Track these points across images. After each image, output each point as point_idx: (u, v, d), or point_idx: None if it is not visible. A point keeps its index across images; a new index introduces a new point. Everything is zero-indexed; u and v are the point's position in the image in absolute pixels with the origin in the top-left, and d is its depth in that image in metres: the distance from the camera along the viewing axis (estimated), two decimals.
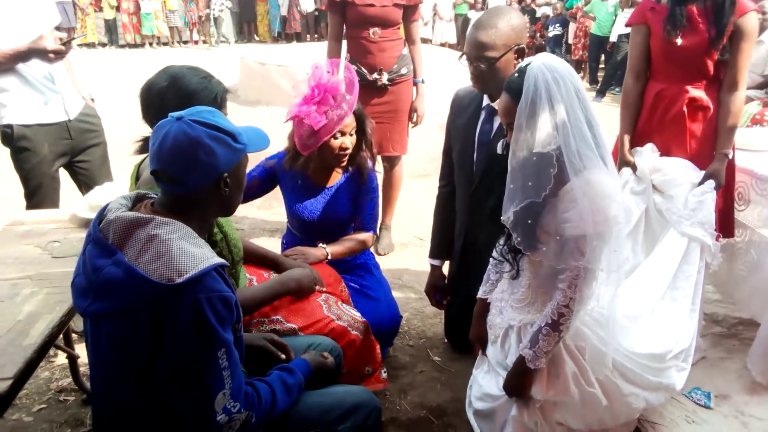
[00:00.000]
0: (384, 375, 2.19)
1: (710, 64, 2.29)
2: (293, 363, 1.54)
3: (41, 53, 2.31)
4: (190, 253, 1.18)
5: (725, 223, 2.43)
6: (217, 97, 1.66)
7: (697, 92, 2.33)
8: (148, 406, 1.27)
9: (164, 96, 1.62)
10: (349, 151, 2.24)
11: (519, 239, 1.67)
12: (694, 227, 2.17)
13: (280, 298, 1.91)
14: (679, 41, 2.27)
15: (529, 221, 1.64)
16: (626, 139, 2.47)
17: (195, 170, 1.23)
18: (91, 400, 1.41)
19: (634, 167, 2.40)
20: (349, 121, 2.21)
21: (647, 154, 2.38)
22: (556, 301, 1.69)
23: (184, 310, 1.16)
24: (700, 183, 2.25)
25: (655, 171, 2.35)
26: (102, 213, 1.29)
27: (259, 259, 2.10)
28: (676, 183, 2.28)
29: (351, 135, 2.24)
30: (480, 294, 2.02)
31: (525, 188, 1.60)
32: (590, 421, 1.89)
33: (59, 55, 2.35)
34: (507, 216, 1.66)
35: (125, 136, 6.54)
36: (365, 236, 2.40)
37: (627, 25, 2.62)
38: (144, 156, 1.79)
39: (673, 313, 2.06)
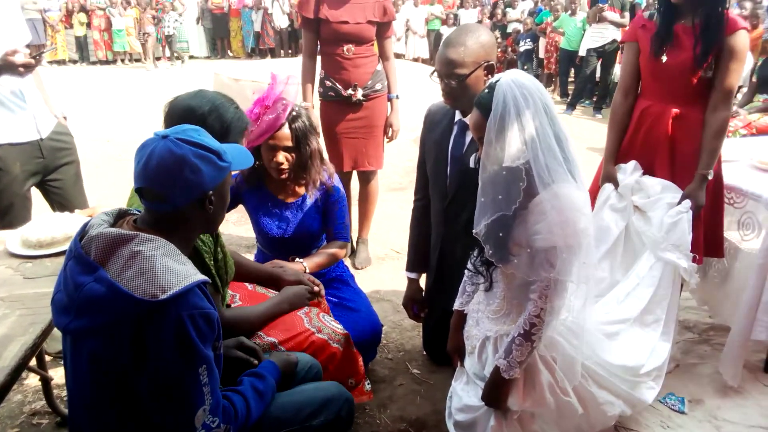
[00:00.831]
0: (368, 387, 2.18)
1: (695, 83, 2.24)
2: (262, 367, 1.55)
3: (10, 67, 2.28)
4: (173, 269, 1.19)
5: (713, 243, 2.39)
6: (246, 127, 1.74)
7: (682, 111, 2.29)
8: (127, 427, 1.26)
9: (205, 121, 1.65)
10: (284, 166, 2.25)
11: (491, 252, 1.70)
12: (668, 250, 2.17)
13: None
14: (664, 59, 2.26)
15: (501, 234, 1.67)
16: (611, 154, 2.47)
17: (180, 188, 1.24)
18: (68, 422, 1.40)
19: (616, 183, 2.41)
20: (282, 134, 2.21)
21: (630, 172, 2.38)
22: (528, 312, 1.71)
23: (167, 327, 1.17)
24: (678, 204, 2.23)
25: (637, 191, 2.35)
26: (83, 229, 1.29)
27: (258, 278, 2.09)
28: (655, 205, 2.27)
29: (286, 151, 2.24)
30: (456, 306, 2.04)
31: (495, 201, 1.63)
32: (567, 430, 1.91)
33: (28, 68, 2.32)
34: (479, 229, 1.69)
35: (96, 153, 6.50)
36: (339, 245, 2.42)
37: (620, 42, 2.66)
38: None
39: (644, 336, 2.10)
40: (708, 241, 2.35)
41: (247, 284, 2.11)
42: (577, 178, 1.65)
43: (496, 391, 1.80)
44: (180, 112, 1.68)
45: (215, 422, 1.26)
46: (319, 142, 2.37)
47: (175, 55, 15.12)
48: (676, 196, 2.25)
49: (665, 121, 2.31)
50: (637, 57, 2.39)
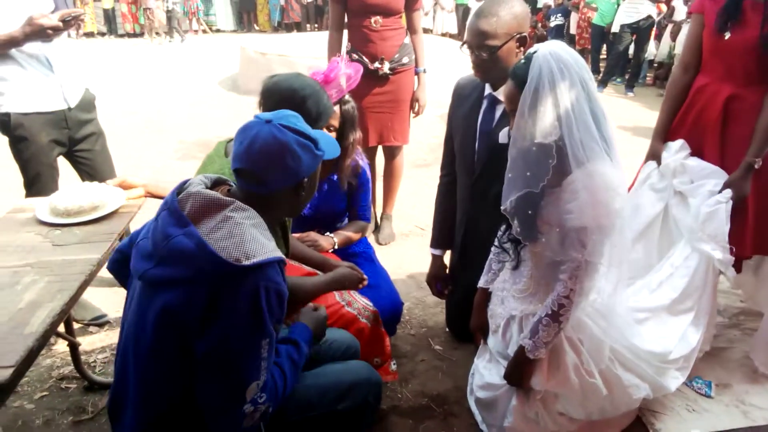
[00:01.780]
0: (393, 367, 2.19)
1: (759, 64, 2.09)
2: (296, 331, 1.53)
3: (38, 32, 2.27)
4: (259, 240, 1.23)
5: (765, 239, 2.22)
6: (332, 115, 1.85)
7: (739, 92, 2.15)
8: (173, 386, 1.29)
9: (305, 103, 1.76)
10: None
11: (519, 229, 1.67)
12: (704, 241, 2.09)
13: None
14: (727, 35, 2.12)
15: (529, 212, 1.64)
16: (660, 131, 2.36)
17: (280, 173, 1.30)
18: (115, 374, 1.42)
19: (659, 161, 2.32)
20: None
21: (675, 151, 2.28)
22: (556, 292, 1.69)
23: (243, 293, 1.19)
24: (720, 192, 2.12)
25: (680, 173, 2.24)
26: (181, 186, 1.34)
27: (305, 259, 2.10)
28: (697, 191, 2.16)
29: (328, 129, 2.22)
30: (481, 283, 2.02)
31: (524, 178, 1.61)
32: (591, 411, 1.91)
33: (57, 32, 2.31)
34: (506, 205, 1.66)
35: (123, 125, 6.57)
36: (363, 225, 2.45)
37: (688, 14, 2.50)
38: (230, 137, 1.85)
39: (674, 323, 2.06)
40: (759, 236, 2.19)
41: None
42: (614, 157, 1.60)
43: (519, 371, 1.79)
44: (283, 92, 1.78)
45: (262, 398, 1.27)
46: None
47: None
48: (719, 183, 2.13)
49: (719, 101, 2.18)
50: (701, 30, 2.25)
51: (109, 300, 2.92)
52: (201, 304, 1.19)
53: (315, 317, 1.62)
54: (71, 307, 1.63)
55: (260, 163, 1.28)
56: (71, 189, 2.10)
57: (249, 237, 1.21)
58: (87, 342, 2.60)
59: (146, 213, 3.56)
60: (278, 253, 1.24)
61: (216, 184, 1.39)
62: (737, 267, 2.20)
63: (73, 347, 2.28)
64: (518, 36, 2.00)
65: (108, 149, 2.82)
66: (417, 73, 3.44)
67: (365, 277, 2.06)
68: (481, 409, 2.05)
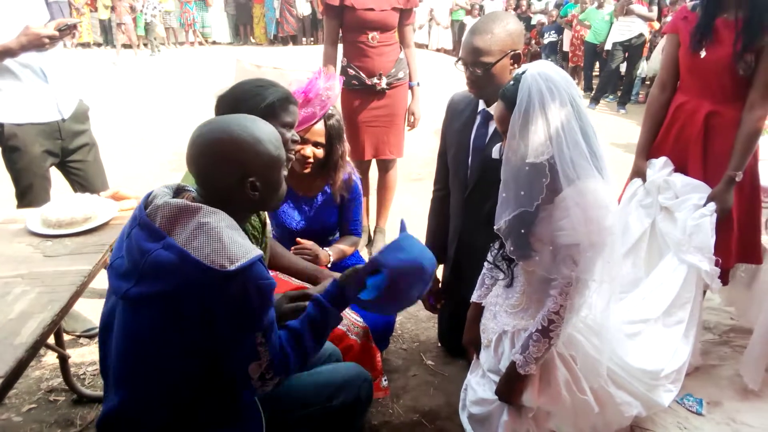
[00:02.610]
0: (384, 383, 2.18)
1: (733, 80, 2.15)
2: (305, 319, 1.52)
3: (35, 42, 2.26)
4: (239, 242, 1.24)
5: (749, 248, 2.31)
6: (268, 105, 1.71)
7: (717, 108, 2.21)
8: (177, 393, 1.31)
9: (219, 105, 1.75)
10: (310, 161, 2.25)
11: (512, 248, 1.67)
12: (691, 253, 2.12)
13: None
14: (702, 54, 2.18)
15: (522, 230, 1.64)
16: (643, 149, 2.41)
17: (218, 169, 1.32)
18: (105, 391, 1.42)
19: (644, 179, 2.36)
20: (316, 129, 2.22)
21: (659, 168, 2.32)
22: (547, 308, 1.69)
23: (233, 296, 1.22)
24: (704, 205, 2.17)
25: (665, 189, 2.29)
26: (147, 199, 1.34)
27: (297, 272, 2.09)
28: (682, 205, 2.21)
29: (316, 146, 2.24)
30: (474, 298, 2.02)
31: (517, 197, 1.61)
32: (582, 428, 1.90)
33: (53, 41, 2.30)
34: (500, 225, 1.66)
35: (119, 136, 6.54)
36: (355, 240, 2.46)
37: (662, 34, 2.58)
38: None
39: (665, 338, 2.07)
40: (743, 245, 2.27)
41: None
42: (604, 174, 1.60)
43: (510, 386, 1.78)
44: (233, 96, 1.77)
45: (270, 374, 1.33)
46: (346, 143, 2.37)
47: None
48: (703, 196, 2.18)
49: (699, 118, 2.23)
50: (677, 49, 2.31)
51: (99, 312, 2.90)
52: (195, 312, 1.22)
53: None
54: (62, 318, 1.62)
55: (200, 160, 1.31)
56: (63, 200, 2.09)
57: (227, 241, 1.22)
58: (77, 354, 2.58)
59: None
60: (257, 252, 1.26)
61: (178, 192, 1.39)
62: (723, 279, 2.25)
63: (63, 359, 2.26)
64: (512, 53, 2.02)
65: (101, 160, 2.82)
66: (411, 87, 3.46)
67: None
68: (473, 425, 2.04)
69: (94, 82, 9.11)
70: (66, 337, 2.53)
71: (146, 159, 5.62)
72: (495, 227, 1.69)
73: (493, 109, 2.10)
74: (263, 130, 1.35)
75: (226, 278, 1.20)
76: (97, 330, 2.66)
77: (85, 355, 2.59)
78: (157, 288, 1.22)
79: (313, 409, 1.55)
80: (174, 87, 9.48)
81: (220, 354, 1.29)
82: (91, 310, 2.87)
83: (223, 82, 9.35)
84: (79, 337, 2.71)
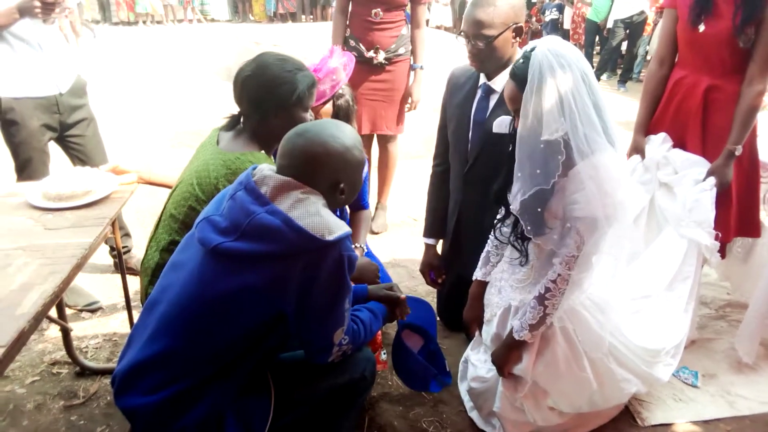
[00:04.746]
0: (384, 357, 2.21)
1: (733, 54, 2.13)
2: (374, 306, 1.73)
3: (28, 9, 2.25)
4: (333, 218, 1.36)
5: (748, 222, 2.32)
6: (299, 95, 1.75)
7: (716, 83, 2.19)
8: (224, 352, 1.37)
9: (245, 84, 1.76)
10: None
11: (529, 228, 1.67)
12: (691, 227, 2.13)
13: None
14: (701, 28, 2.16)
15: (539, 209, 1.64)
16: (641, 125, 2.41)
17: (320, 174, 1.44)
18: (127, 350, 1.44)
19: (643, 155, 2.35)
20: (326, 108, 2.20)
21: (657, 144, 2.32)
22: (546, 277, 1.70)
23: (330, 263, 1.33)
24: (703, 180, 2.17)
25: (664, 165, 2.29)
26: (254, 168, 1.44)
27: None
28: (681, 181, 2.21)
29: None
30: (478, 276, 2.02)
31: (533, 176, 1.60)
32: (581, 405, 1.92)
33: (47, 9, 2.29)
34: (516, 206, 1.66)
35: (116, 113, 6.53)
36: (366, 215, 2.46)
37: (659, 9, 2.53)
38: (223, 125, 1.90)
39: (667, 313, 2.08)
40: (742, 219, 2.28)
41: None
42: (617, 147, 1.61)
43: (505, 351, 1.80)
44: (234, 78, 1.82)
45: (346, 340, 1.47)
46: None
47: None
48: (702, 171, 2.18)
49: (698, 92, 2.22)
50: (674, 24, 2.29)
51: (102, 287, 2.92)
52: (295, 279, 1.32)
53: (389, 297, 1.79)
54: (63, 290, 1.63)
55: (296, 171, 1.39)
56: (63, 174, 2.09)
57: (325, 215, 1.34)
58: (79, 328, 2.60)
59: (138, 199, 3.54)
60: (347, 227, 1.37)
61: None
62: (721, 253, 2.26)
63: (65, 332, 2.28)
64: (514, 26, 2.01)
65: (100, 135, 2.82)
66: (413, 69, 3.42)
67: (378, 273, 2.08)
68: (472, 398, 2.07)
69: (95, 57, 9.05)
70: (68, 312, 2.55)
71: (146, 135, 5.60)
72: (511, 208, 1.69)
73: (495, 83, 2.10)
74: (349, 137, 1.45)
75: (325, 247, 1.31)
76: (98, 305, 2.73)
77: (87, 329, 2.61)
78: (259, 248, 1.30)
79: (318, 387, 1.59)
80: (173, 64, 9.42)
81: (309, 323, 1.39)
82: (92, 285, 2.89)
83: (222, 59, 9.29)
84: (81, 311, 2.73)
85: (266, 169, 1.42)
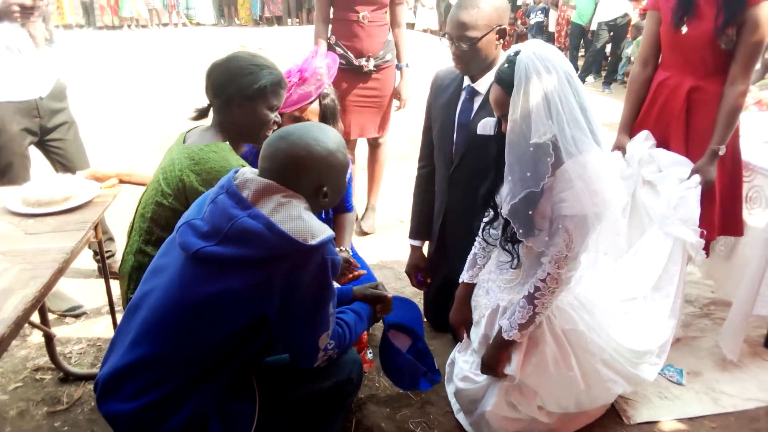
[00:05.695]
0: (370, 356, 2.20)
1: (715, 55, 2.16)
2: (359, 307, 1.72)
3: (6, 13, 2.23)
4: (316, 221, 1.35)
5: (731, 221, 2.34)
6: (260, 87, 1.75)
7: (699, 84, 2.21)
8: (205, 358, 1.36)
9: (212, 72, 1.78)
10: None
11: (521, 230, 1.67)
12: (677, 225, 2.14)
13: None
14: (684, 29, 2.18)
15: (530, 212, 1.65)
16: (625, 125, 2.43)
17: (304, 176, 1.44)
18: (110, 355, 1.43)
19: (623, 151, 2.37)
20: (312, 108, 2.19)
21: (640, 141, 2.34)
22: (536, 276, 1.71)
23: (313, 267, 1.32)
24: (688, 179, 2.18)
25: (648, 163, 2.30)
26: (235, 173, 1.43)
27: None
28: (665, 179, 2.22)
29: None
30: (465, 278, 2.02)
31: (524, 179, 1.61)
32: (567, 404, 1.92)
33: (25, 12, 2.27)
34: (506, 209, 1.67)
35: (100, 118, 6.47)
36: (351, 219, 2.45)
37: (642, 11, 2.56)
38: (193, 127, 1.91)
39: (654, 313, 2.09)
40: (726, 218, 2.30)
41: None
42: (603, 146, 1.62)
43: (495, 352, 1.80)
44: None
45: (331, 345, 1.47)
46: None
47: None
48: (686, 170, 2.20)
49: (681, 93, 2.24)
50: (658, 26, 2.31)
51: (86, 291, 2.89)
52: (280, 280, 1.30)
53: (376, 295, 1.78)
54: (45, 294, 1.61)
55: (278, 174, 1.39)
56: (43, 180, 2.08)
57: (307, 218, 1.33)
58: (63, 333, 2.57)
59: (123, 203, 3.52)
60: (330, 231, 1.36)
61: None
62: (705, 251, 2.28)
63: (48, 338, 2.26)
64: (498, 28, 2.02)
65: (81, 139, 2.79)
66: (399, 68, 3.43)
67: (357, 264, 2.08)
68: (459, 399, 2.06)
69: (75, 61, 8.96)
70: (51, 317, 2.52)
71: (129, 139, 5.57)
72: (501, 212, 1.70)
73: (479, 85, 2.11)
74: (333, 140, 1.44)
75: (308, 251, 1.30)
76: (81, 310, 2.70)
77: (71, 334, 2.58)
78: (242, 253, 1.29)
79: (303, 390, 1.57)
80: (157, 68, 9.36)
81: (293, 328, 1.39)
82: (75, 290, 2.86)
83: (207, 63, 9.24)
84: (64, 316, 2.70)
85: (248, 172, 1.42)
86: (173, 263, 1.38)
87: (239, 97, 1.75)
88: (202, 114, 1.91)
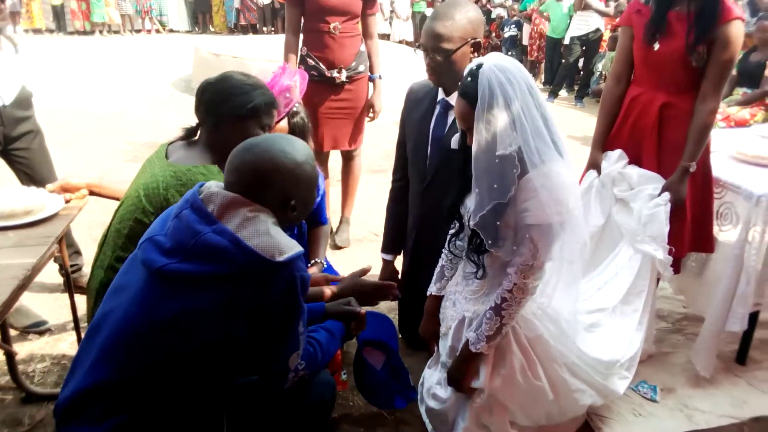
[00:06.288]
0: (344, 377, 2.16)
1: (687, 72, 2.17)
2: (332, 325, 1.66)
3: None
4: (284, 237, 1.32)
5: (702, 237, 2.35)
6: (254, 107, 1.75)
7: (671, 100, 2.23)
8: (168, 381, 1.30)
9: (204, 91, 1.77)
10: None
11: (489, 242, 1.67)
12: (646, 242, 2.15)
13: None
14: (656, 46, 2.20)
15: (498, 222, 1.65)
16: (598, 141, 2.43)
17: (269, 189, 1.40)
18: (71, 377, 1.36)
19: (599, 170, 2.38)
20: (280, 126, 2.17)
21: (614, 161, 2.34)
22: (502, 287, 1.70)
23: (282, 285, 1.28)
24: (658, 196, 2.19)
25: (619, 182, 2.31)
26: (200, 186, 1.39)
27: None
28: (637, 196, 2.24)
29: None
30: (433, 291, 2.00)
31: (491, 191, 1.61)
32: (538, 417, 1.91)
33: None
34: (475, 221, 1.66)
35: (72, 125, 6.36)
36: (325, 230, 2.42)
37: (614, 27, 2.58)
38: (175, 139, 1.88)
39: (621, 327, 2.10)
40: (697, 234, 2.32)
41: None
42: (565, 156, 1.63)
43: (462, 365, 1.78)
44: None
45: (302, 365, 1.41)
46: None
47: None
48: (658, 187, 2.21)
49: (653, 109, 2.26)
50: (630, 42, 2.33)
51: (51, 307, 2.80)
52: (246, 303, 1.26)
53: (347, 311, 1.74)
54: (5, 312, 1.56)
55: (243, 187, 1.34)
56: (4, 192, 2.01)
57: (275, 234, 1.29)
58: (25, 350, 2.48)
59: (91, 214, 3.42)
60: (300, 246, 1.32)
61: None
62: (676, 268, 2.29)
63: (10, 356, 2.17)
64: (473, 41, 2.01)
65: (47, 148, 2.72)
66: (372, 80, 3.42)
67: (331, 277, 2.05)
68: (431, 418, 2.04)
69: (43, 67, 8.80)
70: (12, 333, 2.43)
71: (99, 149, 5.46)
72: (471, 224, 1.69)
73: (455, 101, 2.10)
74: (301, 152, 1.40)
75: (276, 268, 1.26)
76: (46, 326, 2.61)
77: (35, 351, 2.49)
78: (207, 270, 1.25)
79: (273, 414, 1.53)
80: (130, 75, 9.24)
81: (261, 348, 1.34)
82: (39, 305, 2.76)
83: (180, 71, 9.16)
84: (27, 332, 2.61)
85: (213, 186, 1.37)
86: (135, 281, 1.32)
87: (232, 117, 1.73)
88: (190, 133, 1.87)
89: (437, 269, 2.01)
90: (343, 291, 1.86)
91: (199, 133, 1.84)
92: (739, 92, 5.51)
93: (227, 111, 1.73)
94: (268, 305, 1.28)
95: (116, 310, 1.32)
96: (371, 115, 3.46)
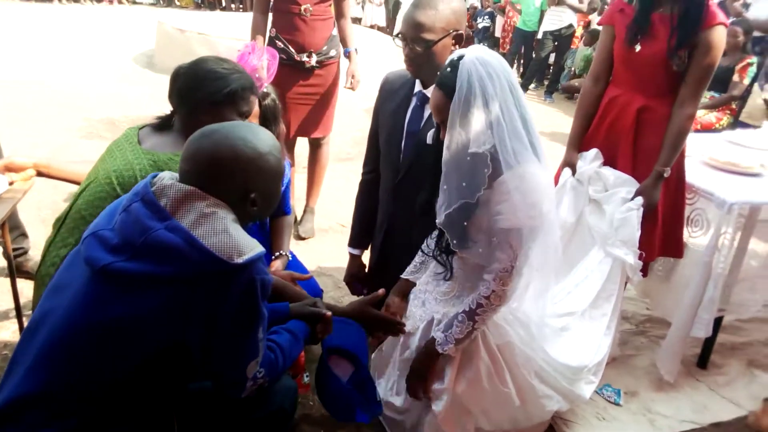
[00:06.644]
0: (306, 380, 2.09)
1: (667, 76, 2.15)
2: (295, 327, 1.54)
3: None
4: (243, 236, 1.22)
5: (672, 242, 2.34)
6: (230, 92, 1.67)
7: (649, 103, 2.20)
8: (114, 387, 1.19)
9: (178, 76, 1.69)
10: None
11: (455, 242, 1.61)
12: (617, 246, 2.14)
13: None
14: (638, 48, 2.16)
15: (465, 223, 1.60)
16: (574, 141, 2.40)
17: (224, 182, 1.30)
18: (6, 379, 1.24)
19: (574, 170, 2.35)
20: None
21: (590, 160, 2.31)
22: (478, 292, 1.66)
23: (240, 288, 1.18)
24: (631, 200, 2.17)
25: (595, 181, 2.29)
26: (152, 178, 1.28)
27: None
28: (610, 199, 2.21)
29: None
30: (409, 276, 1.94)
31: (459, 189, 1.55)
32: (502, 422, 1.88)
33: None
34: (441, 219, 1.60)
35: (31, 96, 6.05)
36: (289, 221, 2.34)
37: (586, 23, 2.53)
38: (146, 124, 1.78)
39: (590, 331, 2.08)
40: (667, 239, 2.31)
41: None
42: (542, 159, 1.58)
43: (425, 362, 1.73)
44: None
45: (261, 373, 1.32)
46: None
47: None
48: (631, 190, 2.19)
49: (631, 111, 2.23)
50: (611, 41, 2.29)
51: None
52: (200, 306, 1.17)
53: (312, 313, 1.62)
54: None
55: (200, 176, 1.24)
56: None
57: (234, 233, 1.19)
58: None
59: (40, 194, 3.24)
60: (260, 248, 1.23)
61: None
62: (644, 272, 2.29)
63: None
64: (455, 33, 1.93)
65: None
66: (348, 53, 3.26)
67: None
68: (390, 429, 1.98)
69: (4, 37, 8.39)
70: None
71: (54, 123, 5.19)
72: (437, 222, 1.62)
73: (430, 100, 2.02)
74: (265, 142, 1.30)
75: (234, 271, 1.17)
76: None
77: None
78: (157, 270, 1.15)
79: (230, 422, 1.45)
80: (89, 47, 8.87)
81: (216, 356, 1.24)
82: None
83: (142, 45, 8.84)
84: None
85: (167, 177, 1.26)
86: (77, 279, 1.21)
87: (207, 103, 1.64)
88: (165, 122, 1.75)
89: (418, 260, 1.95)
90: (347, 313, 1.75)
91: (173, 120, 1.74)
92: (707, 96, 5.57)
93: (202, 97, 1.64)
94: (224, 311, 1.18)
95: (56, 310, 1.21)
96: (351, 83, 3.25)
